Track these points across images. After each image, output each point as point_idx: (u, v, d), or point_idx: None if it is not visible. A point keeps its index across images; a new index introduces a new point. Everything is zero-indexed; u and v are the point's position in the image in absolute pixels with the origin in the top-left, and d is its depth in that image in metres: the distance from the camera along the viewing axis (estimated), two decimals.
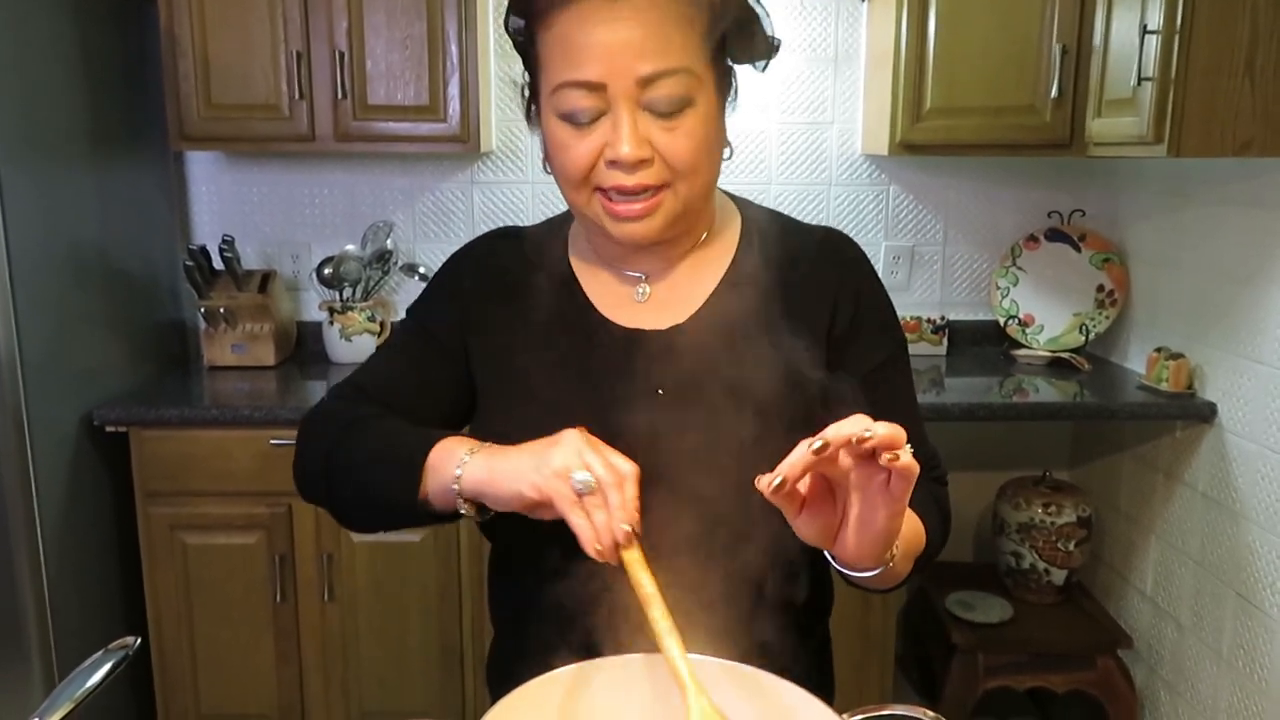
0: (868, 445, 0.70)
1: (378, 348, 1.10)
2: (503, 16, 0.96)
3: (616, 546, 0.80)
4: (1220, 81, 1.79)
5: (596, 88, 0.87)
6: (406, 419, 0.99)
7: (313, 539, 2.22)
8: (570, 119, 0.89)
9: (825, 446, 0.70)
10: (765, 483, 0.72)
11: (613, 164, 0.88)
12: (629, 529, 0.80)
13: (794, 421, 0.94)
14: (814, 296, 0.98)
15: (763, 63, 0.97)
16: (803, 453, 0.71)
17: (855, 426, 0.70)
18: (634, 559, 0.80)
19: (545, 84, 0.91)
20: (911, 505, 0.90)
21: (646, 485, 0.92)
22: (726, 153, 0.96)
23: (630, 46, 0.85)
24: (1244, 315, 2.08)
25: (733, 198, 1.06)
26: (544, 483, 0.81)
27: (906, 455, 0.71)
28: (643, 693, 0.82)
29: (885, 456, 0.70)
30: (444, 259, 1.09)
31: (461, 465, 0.88)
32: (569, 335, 0.99)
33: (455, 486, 0.88)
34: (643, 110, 0.88)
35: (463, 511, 0.90)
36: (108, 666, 0.72)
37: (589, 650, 0.84)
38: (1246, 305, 2.07)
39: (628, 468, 0.82)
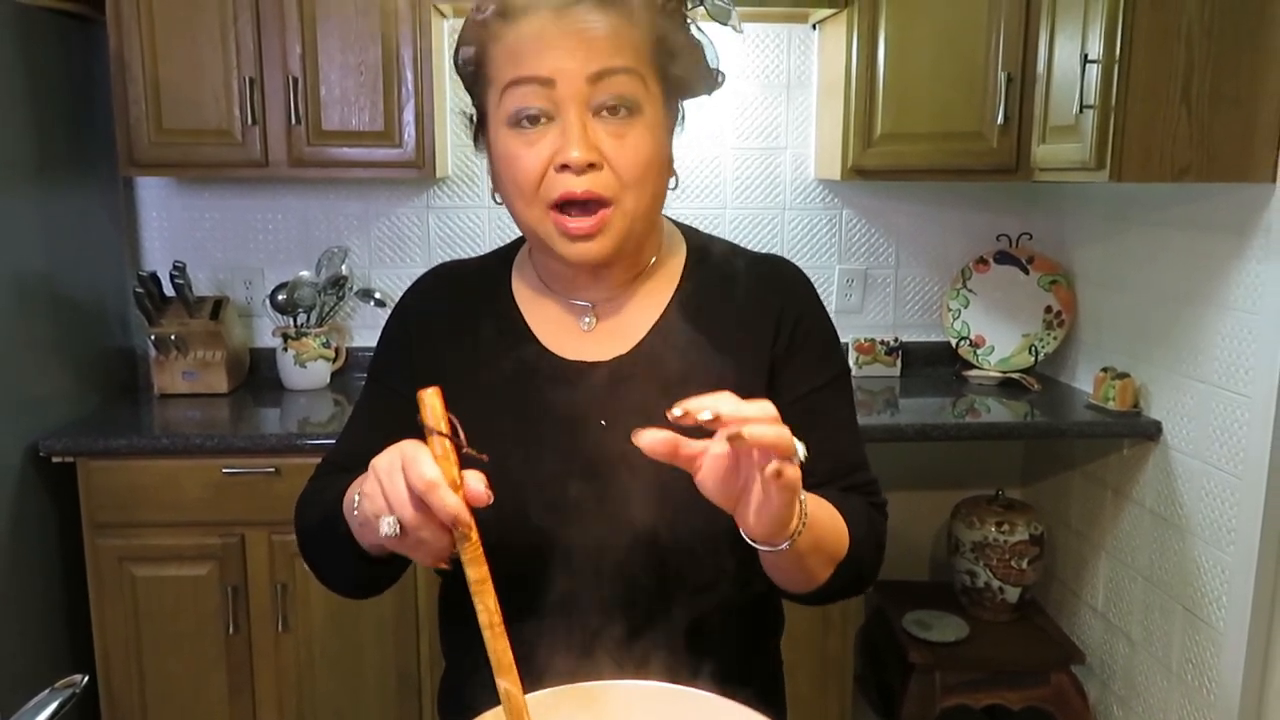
0: (745, 445, 0.70)
1: (349, 419, 1.09)
2: (457, 41, 0.96)
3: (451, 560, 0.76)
4: (1158, 109, 1.84)
5: (546, 83, 0.88)
6: None
7: (266, 569, 2.19)
8: (519, 123, 0.90)
9: (716, 420, 0.70)
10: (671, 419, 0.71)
11: (563, 168, 0.89)
12: (458, 534, 0.74)
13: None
14: (755, 323, 0.99)
15: (708, 89, 0.99)
16: (706, 407, 0.71)
17: (748, 413, 0.70)
18: (472, 577, 0.74)
19: (494, 94, 0.91)
20: (842, 511, 0.91)
21: (588, 517, 0.92)
22: (672, 182, 0.97)
23: (580, 46, 0.87)
24: (1185, 335, 2.14)
25: (680, 226, 1.07)
26: (367, 537, 0.82)
27: (790, 470, 0.71)
28: None
29: (770, 468, 0.70)
30: (400, 284, 1.09)
31: (355, 510, 0.85)
32: (512, 370, 0.99)
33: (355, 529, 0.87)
34: (592, 116, 0.89)
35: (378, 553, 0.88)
36: (54, 705, 0.70)
37: (539, 682, 0.84)
38: (1188, 325, 2.13)
39: (423, 480, 0.72)
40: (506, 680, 0.74)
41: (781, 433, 0.71)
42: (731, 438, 0.70)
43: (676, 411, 0.70)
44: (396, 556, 0.88)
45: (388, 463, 0.75)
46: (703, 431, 0.74)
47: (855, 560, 0.92)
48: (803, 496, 0.81)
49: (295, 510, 1.04)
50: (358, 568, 0.92)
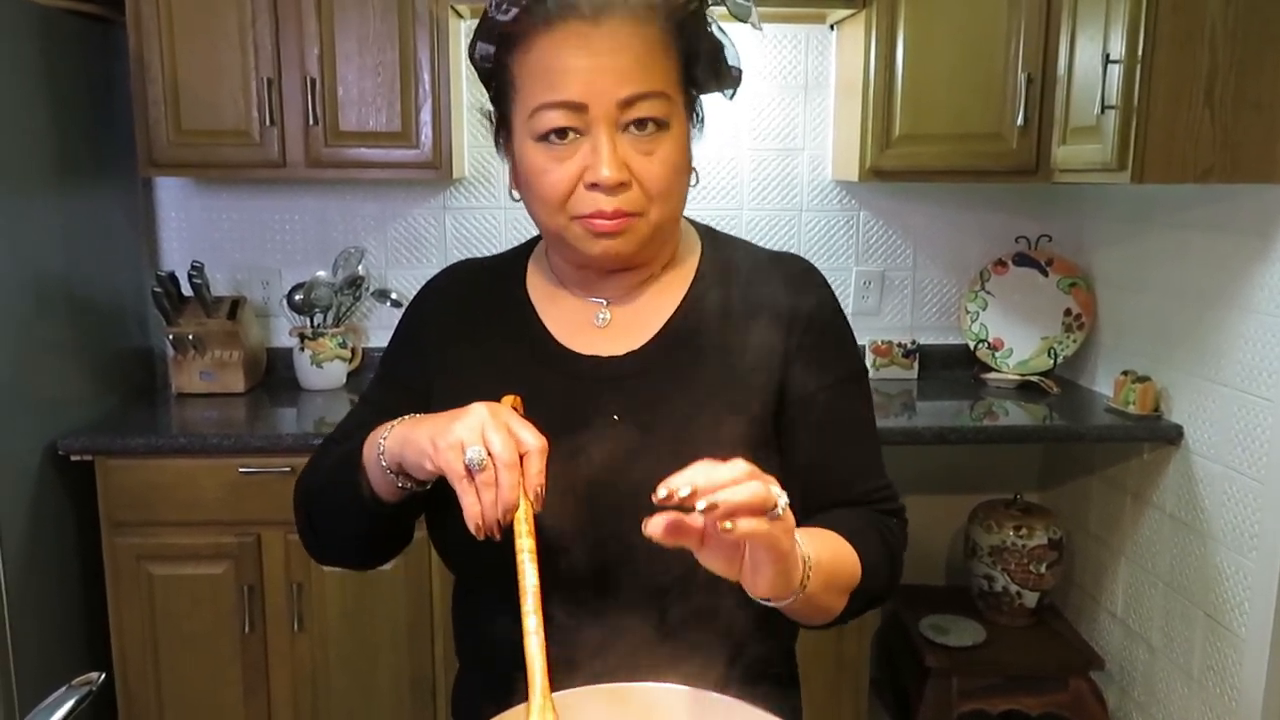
0: (718, 514, 0.68)
1: (354, 402, 1.10)
2: (474, 34, 0.96)
3: (499, 527, 0.78)
4: (1181, 110, 1.83)
5: (578, 108, 0.88)
6: None
7: (282, 568, 2.19)
8: (549, 141, 0.90)
9: (693, 494, 0.69)
10: (654, 525, 0.70)
11: (593, 187, 0.89)
12: (524, 503, 0.78)
13: (747, 445, 0.94)
14: (768, 321, 0.99)
15: (730, 90, 0.99)
16: (683, 483, 0.69)
17: (721, 478, 0.69)
18: (524, 547, 0.78)
19: (521, 108, 0.91)
20: (851, 539, 0.90)
21: (602, 510, 0.92)
22: (693, 179, 0.98)
23: (611, 70, 0.87)
24: (1207, 338, 2.12)
25: (695, 225, 1.07)
26: (437, 455, 0.80)
27: (745, 525, 0.69)
28: None
29: (723, 526, 0.69)
30: (416, 284, 1.10)
31: (384, 438, 0.89)
32: (525, 365, 1.00)
33: (383, 461, 0.88)
34: (621, 133, 0.89)
35: (401, 486, 0.89)
36: (71, 703, 0.70)
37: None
38: (1209, 328, 2.11)
39: (532, 442, 0.80)
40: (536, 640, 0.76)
41: (755, 490, 0.70)
42: (706, 509, 0.69)
43: (661, 493, 0.70)
44: (402, 510, 0.93)
45: (493, 410, 0.81)
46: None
47: (870, 584, 0.92)
48: (801, 541, 0.79)
49: (297, 482, 1.05)
50: (364, 517, 0.94)
